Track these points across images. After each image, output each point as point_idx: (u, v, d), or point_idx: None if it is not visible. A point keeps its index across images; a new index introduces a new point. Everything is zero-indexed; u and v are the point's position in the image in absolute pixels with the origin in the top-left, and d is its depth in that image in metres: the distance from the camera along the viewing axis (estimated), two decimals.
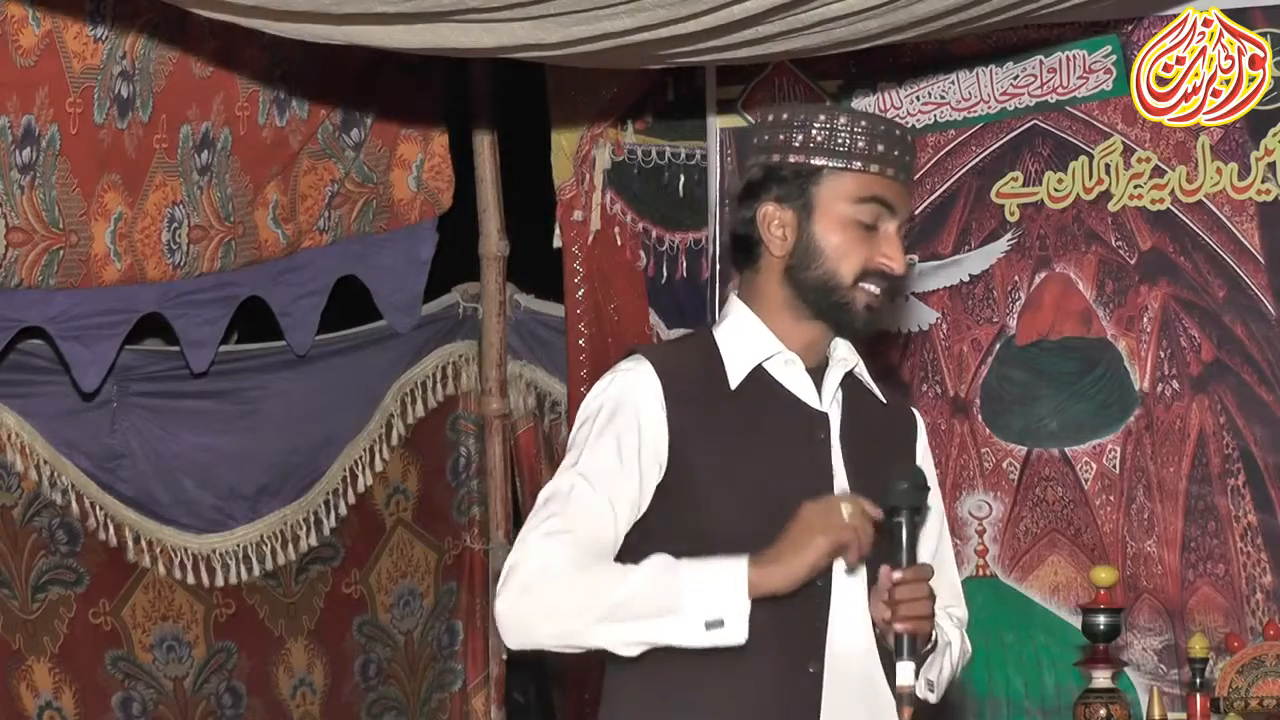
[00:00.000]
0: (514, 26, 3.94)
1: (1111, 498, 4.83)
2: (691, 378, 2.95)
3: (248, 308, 5.04)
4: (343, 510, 5.37)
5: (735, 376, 2.95)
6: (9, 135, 4.25)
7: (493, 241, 5.58)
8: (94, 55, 4.35)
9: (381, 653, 5.51)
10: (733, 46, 4.31)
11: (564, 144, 5.36)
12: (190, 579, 5.04)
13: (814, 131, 2.93)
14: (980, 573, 4.92)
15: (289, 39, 4.10)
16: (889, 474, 2.88)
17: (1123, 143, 4.83)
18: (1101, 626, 4.34)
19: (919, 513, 2.84)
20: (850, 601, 2.90)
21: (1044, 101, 4.90)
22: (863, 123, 2.93)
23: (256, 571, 5.17)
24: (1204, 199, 4.76)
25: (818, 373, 2.99)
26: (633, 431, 2.89)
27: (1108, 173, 4.85)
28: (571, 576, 2.79)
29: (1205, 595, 4.73)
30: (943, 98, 5.01)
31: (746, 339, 2.97)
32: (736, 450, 2.91)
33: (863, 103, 5.05)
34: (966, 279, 4.99)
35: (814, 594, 2.87)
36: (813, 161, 2.93)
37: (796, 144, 2.94)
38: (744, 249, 3.01)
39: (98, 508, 4.85)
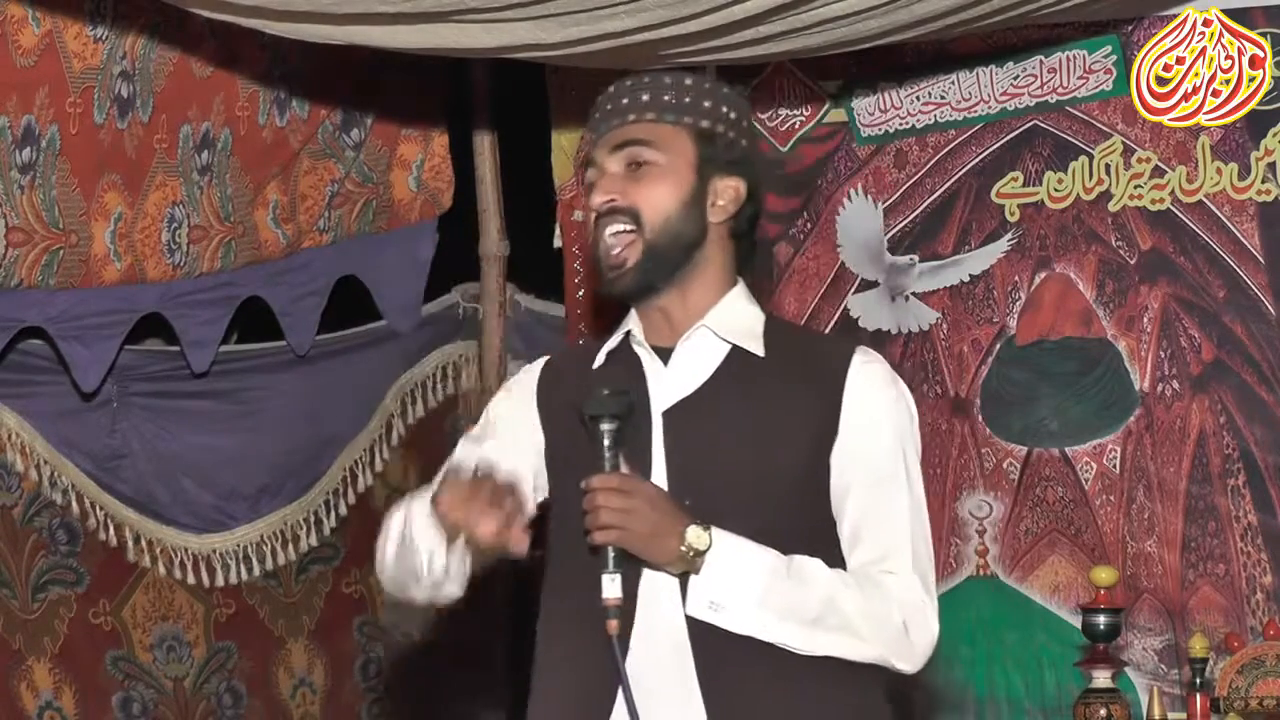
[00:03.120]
0: (514, 26, 3.94)
1: (1112, 498, 4.82)
2: (575, 365, 2.98)
3: (248, 308, 5.04)
4: (343, 510, 5.38)
5: (598, 360, 2.95)
6: (9, 135, 4.25)
7: (493, 241, 5.57)
8: (94, 55, 4.34)
9: (382, 653, 5.51)
10: (733, 46, 4.31)
11: (564, 144, 5.36)
12: (190, 579, 5.04)
13: None
14: (981, 573, 4.92)
15: (289, 39, 4.10)
16: (768, 435, 2.84)
17: (1123, 143, 4.83)
18: (1101, 626, 4.34)
19: (618, 419, 2.76)
20: (658, 591, 2.82)
21: (1044, 101, 4.90)
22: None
23: (256, 571, 5.17)
24: (1204, 199, 4.75)
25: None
26: (503, 405, 3.05)
27: (1108, 173, 4.85)
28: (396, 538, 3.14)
29: (1205, 595, 4.73)
30: (943, 98, 5.00)
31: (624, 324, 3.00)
32: (577, 435, 2.86)
33: (863, 103, 5.06)
34: (966, 279, 4.98)
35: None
36: None
37: None
38: None
39: (98, 508, 4.85)
